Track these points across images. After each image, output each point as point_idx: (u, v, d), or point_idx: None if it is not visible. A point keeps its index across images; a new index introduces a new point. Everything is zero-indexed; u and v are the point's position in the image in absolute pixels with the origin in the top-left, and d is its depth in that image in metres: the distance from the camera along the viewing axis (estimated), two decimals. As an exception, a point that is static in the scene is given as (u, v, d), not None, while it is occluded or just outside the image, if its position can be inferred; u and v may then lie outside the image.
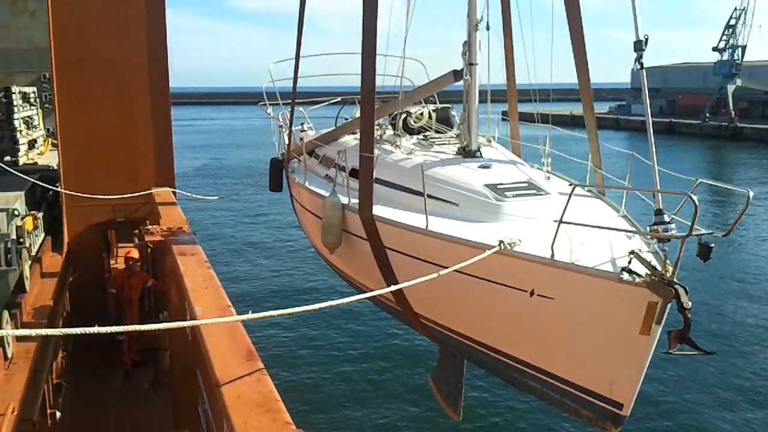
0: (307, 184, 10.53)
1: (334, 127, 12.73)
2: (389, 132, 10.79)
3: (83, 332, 4.53)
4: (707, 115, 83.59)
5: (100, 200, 13.52)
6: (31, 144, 17.21)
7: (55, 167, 14.75)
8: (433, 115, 10.90)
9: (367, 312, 19.58)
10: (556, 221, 6.05)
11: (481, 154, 9.42)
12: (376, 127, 10.31)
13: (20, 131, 16.09)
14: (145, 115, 14.63)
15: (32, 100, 18.60)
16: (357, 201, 8.42)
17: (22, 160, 15.82)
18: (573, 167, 10.17)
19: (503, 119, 12.03)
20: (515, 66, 11.42)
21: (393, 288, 6.95)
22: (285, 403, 4.83)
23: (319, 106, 15.18)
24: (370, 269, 8.68)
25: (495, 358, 7.40)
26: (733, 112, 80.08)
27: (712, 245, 5.69)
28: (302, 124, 14.36)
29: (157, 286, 13.48)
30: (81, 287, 13.49)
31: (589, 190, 9.39)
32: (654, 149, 7.20)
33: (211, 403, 6.13)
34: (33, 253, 11.21)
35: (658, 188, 6.69)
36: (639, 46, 7.34)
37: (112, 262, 16.43)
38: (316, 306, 5.68)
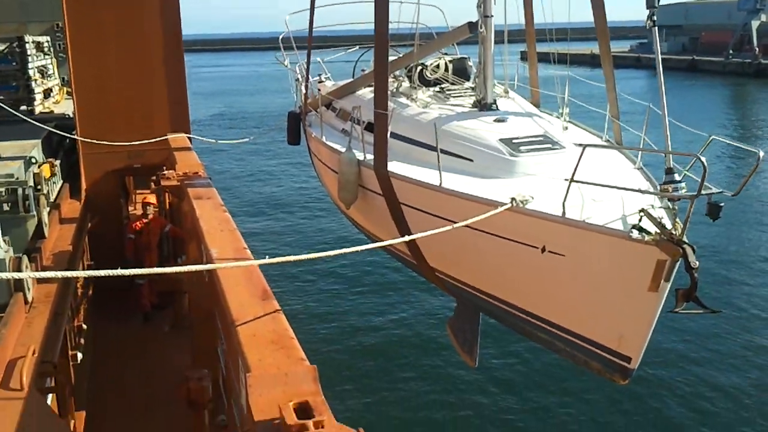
0: (323, 138, 10.54)
1: (351, 79, 12.68)
2: (405, 84, 10.70)
3: (104, 275, 4.61)
4: (731, 52, 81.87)
5: (116, 147, 13.56)
6: (47, 93, 17.25)
7: (71, 115, 14.78)
8: (450, 66, 10.77)
9: (384, 265, 19.62)
10: (567, 180, 6.06)
11: (497, 106, 9.35)
12: (392, 79, 10.44)
13: (35, 80, 16.14)
14: (159, 61, 14.56)
15: (46, 49, 18.57)
16: (372, 157, 8.46)
17: (38, 109, 15.88)
18: (592, 116, 10.03)
19: (522, 59, 11.89)
20: (533, 5, 11.23)
21: (407, 238, 7.05)
22: (300, 341, 4.89)
23: (336, 55, 14.98)
24: (386, 224, 8.77)
25: (507, 311, 7.55)
26: (757, 49, 78.34)
27: (722, 204, 5.70)
28: (320, 75, 14.23)
29: (175, 231, 13.59)
30: (100, 233, 13.62)
31: (607, 140, 9.35)
32: (666, 110, 7.22)
33: (228, 343, 6.22)
34: (51, 200, 11.32)
35: (670, 148, 6.75)
36: (651, 2, 7.46)
37: (130, 208, 16.56)
38: (332, 253, 5.76)
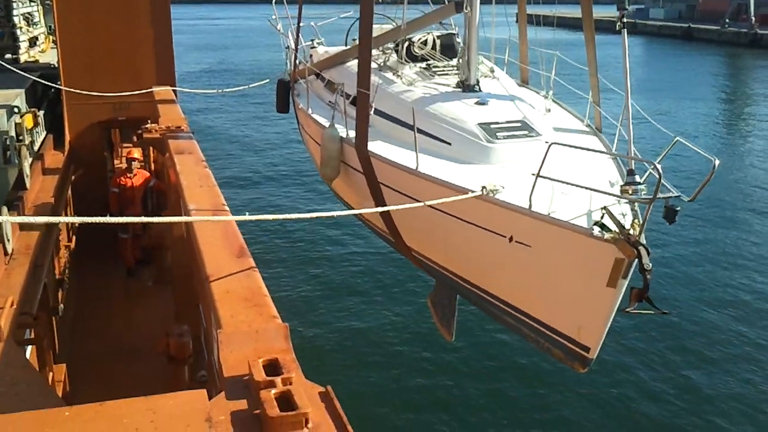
0: (309, 110, 10.63)
1: (343, 47, 12.66)
2: (394, 57, 10.67)
3: (85, 222, 4.61)
4: (727, 21, 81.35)
5: (101, 98, 13.42)
6: (32, 41, 16.98)
7: (56, 65, 14.59)
8: (437, 42, 10.80)
9: (365, 236, 19.60)
10: (533, 174, 6.23)
11: (479, 87, 9.41)
12: (380, 52, 10.56)
13: (20, 28, 15.85)
14: (146, 12, 14.35)
15: (32, -5, 18.25)
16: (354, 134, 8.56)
17: (23, 58, 15.64)
18: (579, 94, 10.04)
19: (516, 21, 11.81)
20: None
21: (381, 209, 7.58)
22: (274, 300, 4.91)
23: (330, 20, 14.85)
24: (366, 199, 8.89)
25: (477, 294, 7.80)
26: (753, 19, 77.83)
27: (678, 208, 5.88)
28: (312, 39, 14.10)
29: (159, 185, 13.54)
30: (83, 186, 13.57)
31: (588, 125, 9.53)
32: (630, 112, 7.34)
33: (203, 298, 6.24)
34: (34, 151, 11.22)
35: (633, 148, 7.02)
36: (622, 4, 7.53)
37: (115, 161, 16.47)
38: (311, 215, 5.90)
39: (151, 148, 13.93)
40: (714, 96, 47.02)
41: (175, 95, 14.12)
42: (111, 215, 13.15)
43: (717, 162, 5.89)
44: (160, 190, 13.58)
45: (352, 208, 10.39)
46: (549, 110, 9.95)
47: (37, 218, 6.52)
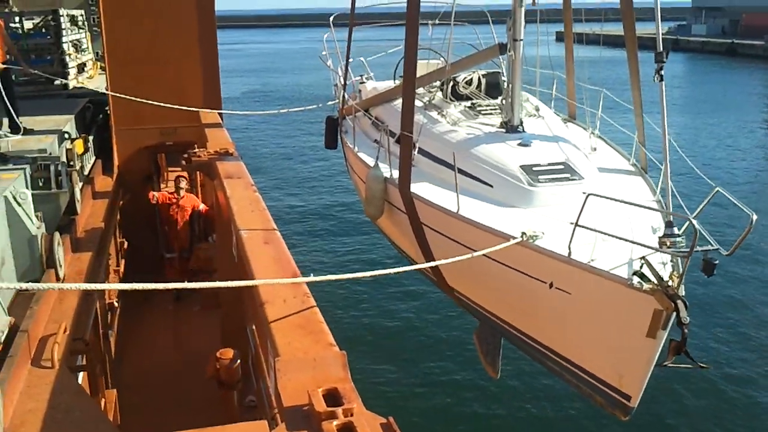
0: (355, 149, 10.74)
1: (392, 81, 12.83)
2: (439, 95, 10.76)
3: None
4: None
5: (148, 124, 13.62)
6: (81, 67, 17.31)
7: (105, 91, 14.83)
8: (483, 80, 10.85)
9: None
10: (572, 223, 6.22)
11: (523, 128, 9.40)
12: (425, 91, 10.76)
13: (69, 54, 16.18)
14: (192, 37, 14.52)
15: (80, 23, 18.62)
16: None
17: (71, 84, 15.95)
18: (624, 136, 9.95)
19: (557, 40, 11.76)
20: None
21: (427, 265, 7.83)
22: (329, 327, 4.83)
23: (378, 56, 14.97)
24: (410, 239, 9.00)
25: (520, 338, 7.79)
26: (797, 33, 76.58)
27: (716, 262, 5.81)
28: (362, 75, 14.20)
29: (208, 212, 13.63)
30: (132, 210, 13.69)
31: (634, 164, 9.46)
32: (669, 179, 7.30)
33: (257, 324, 6.19)
34: (84, 176, 11.37)
35: (670, 208, 7.04)
36: (660, 57, 7.44)
37: (162, 185, 16.64)
38: (365, 274, 6.09)
39: (198, 173, 14.02)
40: (758, 113, 46.11)
41: (221, 118, 14.24)
42: (158, 237, 13.37)
43: (755, 217, 5.78)
44: (208, 216, 13.67)
45: (395, 244, 10.57)
46: (594, 149, 9.91)
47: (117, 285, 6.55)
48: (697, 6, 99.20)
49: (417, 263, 9.20)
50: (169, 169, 17.65)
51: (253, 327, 8.07)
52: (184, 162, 11.13)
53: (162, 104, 13.20)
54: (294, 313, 4.94)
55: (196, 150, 10.82)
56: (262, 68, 77.66)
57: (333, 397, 3.86)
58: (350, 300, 17.44)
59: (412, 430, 11.78)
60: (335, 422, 3.59)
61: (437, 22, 11.68)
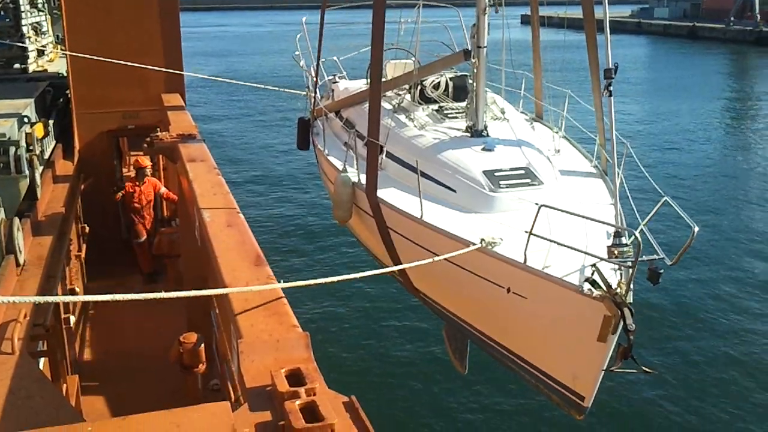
0: (325, 151, 10.86)
1: (364, 80, 12.83)
2: (407, 98, 10.92)
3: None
4: (732, 19, 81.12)
5: (110, 106, 13.43)
6: (41, 51, 16.99)
7: (65, 74, 14.58)
8: (450, 84, 11.00)
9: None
10: (527, 232, 6.43)
11: (487, 132, 9.57)
12: (394, 94, 10.95)
13: (29, 38, 15.85)
14: (154, 20, 14.33)
15: (40, 5, 18.25)
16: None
17: (31, 68, 15.64)
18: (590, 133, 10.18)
19: (522, 23, 11.87)
20: None
21: (394, 269, 8.08)
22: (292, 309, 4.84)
23: (350, 55, 14.96)
24: (378, 242, 9.17)
25: (482, 340, 8.06)
26: (758, 16, 77.61)
27: (661, 271, 6.00)
28: (334, 74, 14.18)
29: (169, 195, 13.52)
30: (93, 194, 13.52)
31: (596, 166, 9.71)
32: (618, 182, 7.45)
33: (220, 308, 6.18)
34: (44, 160, 11.19)
35: (621, 217, 7.28)
36: (609, 73, 7.66)
37: (124, 170, 16.45)
38: (329, 280, 6.11)
39: (160, 156, 13.88)
40: (719, 95, 46.77)
41: (184, 101, 14.10)
42: (121, 224, 13.22)
43: (696, 229, 6.07)
44: (169, 199, 13.55)
45: (365, 246, 10.77)
46: (558, 150, 10.09)
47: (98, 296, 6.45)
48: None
49: (385, 265, 9.41)
50: (131, 153, 17.45)
51: (217, 311, 8.06)
52: (146, 145, 11.02)
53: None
54: (257, 296, 4.93)
55: (159, 133, 10.71)
56: (225, 52, 76.64)
57: (296, 378, 3.88)
58: (318, 293, 17.40)
59: (374, 409, 11.82)
60: (298, 402, 3.61)
61: (408, 20, 11.73)
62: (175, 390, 8.34)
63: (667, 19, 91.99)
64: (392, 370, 14.21)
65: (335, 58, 14.35)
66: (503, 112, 10.43)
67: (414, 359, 14.50)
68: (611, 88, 7.79)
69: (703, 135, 34.60)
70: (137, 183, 13.49)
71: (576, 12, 10.42)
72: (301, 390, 3.71)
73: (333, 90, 13.43)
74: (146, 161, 13.79)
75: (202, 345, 7.97)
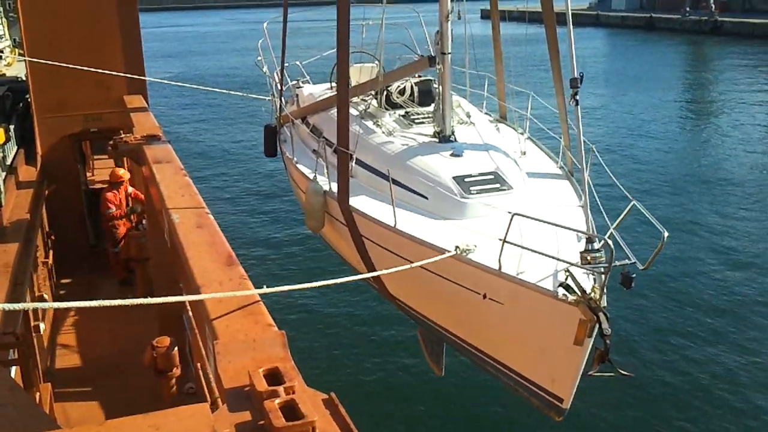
0: (294, 159, 10.84)
1: (328, 84, 13.02)
2: (374, 104, 10.98)
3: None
4: (687, 9, 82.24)
5: (72, 110, 13.26)
6: (-3, 55, 16.74)
7: (24, 78, 14.36)
8: (415, 89, 11.14)
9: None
10: (501, 239, 6.55)
11: (455, 137, 9.67)
12: (360, 100, 11.10)
13: (-16, 42, 15.63)
14: (113, 21, 14.16)
15: (-5, 9, 17.99)
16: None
17: (-12, 72, 15.42)
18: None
19: (482, 18, 12.01)
20: None
21: (369, 275, 8.25)
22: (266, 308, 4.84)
23: (314, 58, 14.94)
24: (352, 250, 9.21)
25: (459, 344, 8.14)
26: (713, 6, 78.78)
27: (634, 276, 6.14)
28: (298, 79, 14.14)
29: (137, 194, 13.40)
30: (57, 200, 13.35)
31: (561, 167, 9.87)
32: (587, 187, 7.77)
33: (193, 310, 6.15)
34: (6, 166, 11.03)
35: (591, 222, 7.55)
36: (575, 83, 7.96)
37: (88, 174, 16.25)
38: (305, 285, 6.23)
39: (125, 159, 13.74)
40: (678, 86, 47.35)
41: (146, 102, 13.96)
42: (92, 232, 13.09)
43: (666, 234, 6.18)
44: (137, 198, 13.44)
45: (339, 254, 10.76)
46: (524, 152, 10.25)
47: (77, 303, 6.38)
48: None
49: (359, 272, 9.44)
50: (95, 156, 17.25)
51: (190, 314, 8.01)
52: (110, 148, 10.91)
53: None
54: (231, 296, 4.92)
55: (123, 135, 10.60)
56: (185, 51, 75.92)
57: (274, 377, 3.88)
58: (293, 299, 17.30)
59: (352, 408, 11.82)
60: (277, 400, 3.61)
61: (370, 23, 11.76)
62: (150, 395, 8.29)
63: (624, 11, 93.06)
64: (369, 370, 14.23)
65: (298, 62, 14.39)
66: (469, 116, 10.55)
67: (390, 360, 14.52)
68: (578, 97, 7.97)
69: (664, 128, 34.81)
70: (115, 190, 13.36)
71: (536, 6, 10.54)
72: (280, 389, 3.71)
73: (297, 95, 13.43)
74: (124, 174, 13.64)
75: (176, 349, 7.93)
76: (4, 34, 18.41)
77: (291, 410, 3.56)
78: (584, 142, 7.89)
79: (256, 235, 21.84)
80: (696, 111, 40.09)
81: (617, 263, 6.09)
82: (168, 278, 8.41)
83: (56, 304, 6.56)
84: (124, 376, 9.85)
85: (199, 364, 8.83)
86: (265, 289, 5.27)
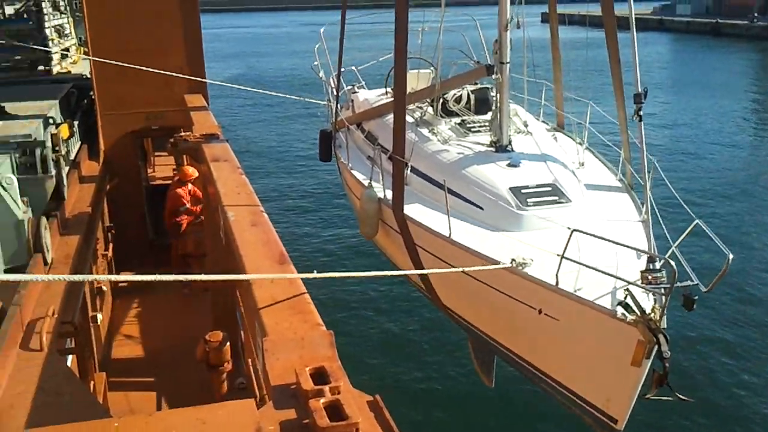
0: (349, 165, 10.88)
1: (383, 89, 13.02)
2: (430, 111, 10.96)
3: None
4: (755, 15, 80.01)
5: (134, 107, 13.56)
6: (64, 53, 17.18)
7: (88, 75, 14.73)
8: (472, 96, 11.06)
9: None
10: (559, 255, 6.45)
11: (512, 147, 9.57)
12: (416, 107, 11.03)
13: (52, 40, 16.05)
14: (175, 22, 14.42)
15: (63, 8, 18.47)
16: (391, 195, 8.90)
17: (55, 69, 15.83)
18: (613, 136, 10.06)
19: (542, 21, 11.91)
20: None
21: (419, 272, 8.31)
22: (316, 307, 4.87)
23: (369, 63, 15.01)
24: (405, 257, 9.15)
25: (512, 358, 8.07)
26: (782, 12, 76.58)
27: (696, 297, 6.01)
28: (353, 84, 14.20)
29: (196, 192, 13.62)
30: (119, 194, 13.65)
31: (621, 180, 9.69)
32: (650, 204, 7.71)
33: (245, 306, 6.22)
34: (70, 161, 11.33)
35: (652, 241, 7.46)
36: (639, 98, 7.83)
37: (149, 170, 16.59)
38: (359, 274, 5.93)
39: (185, 157, 14.00)
40: (746, 95, 45.99)
41: (206, 101, 14.20)
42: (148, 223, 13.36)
43: (731, 256, 5.98)
44: (196, 195, 13.67)
45: (392, 261, 10.70)
46: (582, 164, 10.07)
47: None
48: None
49: (411, 280, 9.40)
50: (156, 153, 17.61)
51: (242, 310, 8.11)
52: (170, 146, 11.11)
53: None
54: (282, 294, 4.97)
55: (183, 134, 10.80)
56: (246, 52, 76.89)
57: (320, 376, 3.91)
58: (344, 300, 17.32)
59: (398, 412, 11.76)
60: (322, 400, 3.63)
61: (426, 28, 11.75)
62: (202, 388, 8.41)
63: (690, 16, 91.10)
64: (417, 375, 14.16)
65: (354, 67, 14.42)
66: (526, 125, 10.43)
67: (439, 368, 14.41)
68: (641, 113, 7.79)
69: (729, 138, 33.55)
70: (184, 187, 13.62)
71: (597, 9, 10.38)
72: (326, 388, 3.73)
73: (353, 100, 13.49)
74: (193, 172, 13.85)
75: (228, 344, 8.03)
76: (71, 32, 18.90)
77: (335, 410, 3.58)
78: (647, 157, 7.73)
79: (309, 239, 21.85)
80: (764, 121, 38.81)
81: (679, 284, 5.99)
82: (223, 273, 8.51)
83: (112, 277, 6.66)
84: (178, 369, 10.02)
85: (250, 360, 8.95)
86: (315, 274, 5.28)
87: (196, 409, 3.56)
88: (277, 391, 3.93)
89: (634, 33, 7.95)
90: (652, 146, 8.39)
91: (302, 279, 5.21)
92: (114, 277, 6.91)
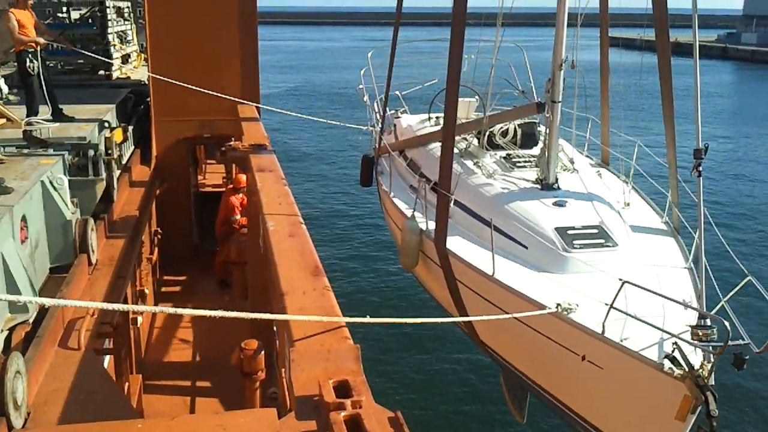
0: (391, 194, 10.88)
1: (426, 116, 13.01)
2: (475, 143, 10.90)
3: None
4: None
5: (187, 116, 13.81)
6: (125, 59, 17.62)
7: (146, 82, 15.06)
8: (518, 130, 10.97)
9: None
10: (607, 304, 6.40)
11: (559, 185, 9.49)
12: (462, 139, 10.99)
13: (114, 45, 16.48)
14: (233, 32, 14.65)
15: (126, 14, 18.95)
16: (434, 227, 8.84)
17: (115, 74, 16.24)
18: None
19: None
20: None
21: (461, 319, 8.31)
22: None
23: (415, 88, 15.06)
24: (445, 291, 9.10)
25: (549, 400, 7.96)
26: None
27: (747, 357, 5.87)
28: (397, 109, 14.24)
29: (244, 201, 13.79)
30: (168, 200, 13.89)
31: (666, 223, 9.54)
32: (705, 267, 7.38)
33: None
34: (122, 164, 11.58)
35: (703, 296, 7.21)
36: (699, 153, 7.68)
37: (199, 177, 16.86)
38: (390, 320, 6.11)
39: (233, 165, 14.20)
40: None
41: (258, 113, 14.38)
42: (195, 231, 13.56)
43: None
44: (243, 205, 13.83)
45: (428, 290, 10.65)
46: (628, 204, 9.95)
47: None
48: (748, 14, 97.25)
49: (450, 313, 9.38)
50: (207, 161, 17.91)
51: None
52: (219, 154, 11.28)
53: (201, 90, 13.17)
54: (313, 305, 4.99)
55: (232, 143, 10.95)
56: (302, 65, 77.76)
57: (343, 389, 3.91)
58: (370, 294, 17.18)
59: (420, 427, 11.64)
60: (343, 413, 3.63)
61: (472, 56, 11.69)
62: (236, 395, 8.47)
63: (755, 45, 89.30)
64: (444, 400, 14.00)
65: (398, 93, 14.41)
66: (572, 162, 10.30)
67: (468, 396, 14.23)
68: (701, 168, 7.63)
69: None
70: (236, 194, 13.81)
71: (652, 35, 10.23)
72: (347, 402, 3.73)
73: (395, 125, 13.47)
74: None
75: (262, 352, 8.07)
76: (133, 39, 19.37)
77: (355, 424, 3.58)
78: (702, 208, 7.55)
79: (345, 263, 21.40)
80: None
81: (731, 343, 5.85)
82: (261, 283, 8.60)
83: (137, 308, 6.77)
84: (214, 375, 10.12)
85: (282, 370, 8.97)
86: (369, 319, 5.26)
87: (218, 416, 3.59)
88: (300, 402, 3.94)
89: (698, 83, 7.75)
90: (704, 183, 8.09)
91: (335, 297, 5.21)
92: (149, 309, 7.01)
